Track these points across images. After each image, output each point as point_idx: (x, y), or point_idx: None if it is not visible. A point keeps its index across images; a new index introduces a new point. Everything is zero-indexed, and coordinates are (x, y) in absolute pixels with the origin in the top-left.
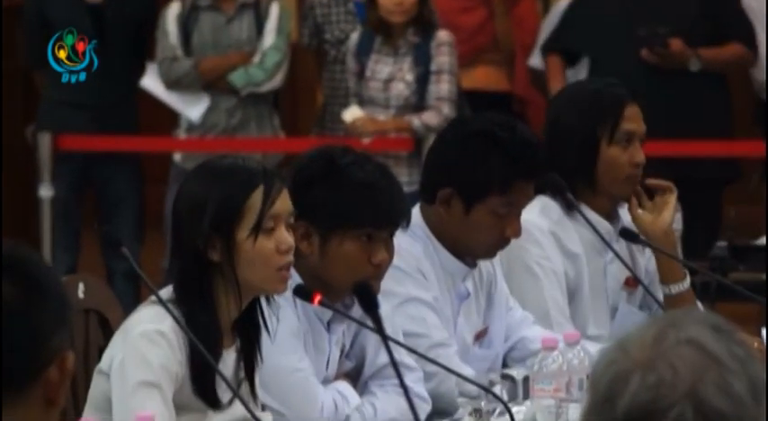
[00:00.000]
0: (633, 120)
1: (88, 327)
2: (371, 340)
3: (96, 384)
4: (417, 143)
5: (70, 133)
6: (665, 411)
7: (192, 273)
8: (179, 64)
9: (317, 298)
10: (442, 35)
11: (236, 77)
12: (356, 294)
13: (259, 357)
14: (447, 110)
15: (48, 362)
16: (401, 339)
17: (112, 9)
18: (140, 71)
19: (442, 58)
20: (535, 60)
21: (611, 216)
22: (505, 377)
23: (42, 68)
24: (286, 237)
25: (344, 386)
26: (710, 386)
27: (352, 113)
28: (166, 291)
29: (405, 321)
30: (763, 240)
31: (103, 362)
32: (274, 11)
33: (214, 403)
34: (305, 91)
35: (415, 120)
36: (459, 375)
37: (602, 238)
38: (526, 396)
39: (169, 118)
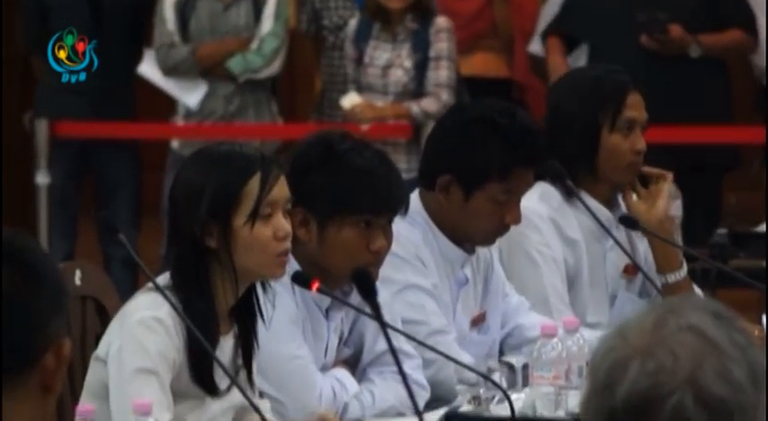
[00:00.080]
0: (635, 107)
1: (85, 314)
2: (370, 327)
3: (93, 371)
4: (416, 130)
5: (68, 120)
6: (664, 398)
7: (189, 259)
8: (176, 50)
9: (316, 285)
10: (441, 21)
11: (234, 64)
12: (354, 281)
13: (256, 344)
14: (446, 96)
15: (44, 348)
16: (400, 326)
17: None
18: (138, 58)
19: (441, 44)
20: (535, 46)
21: (611, 203)
22: (504, 364)
23: (39, 53)
24: (283, 223)
25: (343, 373)
26: (710, 373)
27: (350, 100)
28: (163, 278)
29: (403, 308)
30: (763, 227)
31: (100, 349)
32: None
33: (212, 390)
34: (303, 77)
35: (414, 107)
36: (458, 362)
37: (602, 225)
38: (525, 383)
39: (167, 104)
